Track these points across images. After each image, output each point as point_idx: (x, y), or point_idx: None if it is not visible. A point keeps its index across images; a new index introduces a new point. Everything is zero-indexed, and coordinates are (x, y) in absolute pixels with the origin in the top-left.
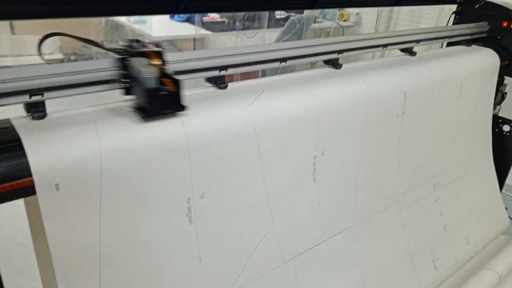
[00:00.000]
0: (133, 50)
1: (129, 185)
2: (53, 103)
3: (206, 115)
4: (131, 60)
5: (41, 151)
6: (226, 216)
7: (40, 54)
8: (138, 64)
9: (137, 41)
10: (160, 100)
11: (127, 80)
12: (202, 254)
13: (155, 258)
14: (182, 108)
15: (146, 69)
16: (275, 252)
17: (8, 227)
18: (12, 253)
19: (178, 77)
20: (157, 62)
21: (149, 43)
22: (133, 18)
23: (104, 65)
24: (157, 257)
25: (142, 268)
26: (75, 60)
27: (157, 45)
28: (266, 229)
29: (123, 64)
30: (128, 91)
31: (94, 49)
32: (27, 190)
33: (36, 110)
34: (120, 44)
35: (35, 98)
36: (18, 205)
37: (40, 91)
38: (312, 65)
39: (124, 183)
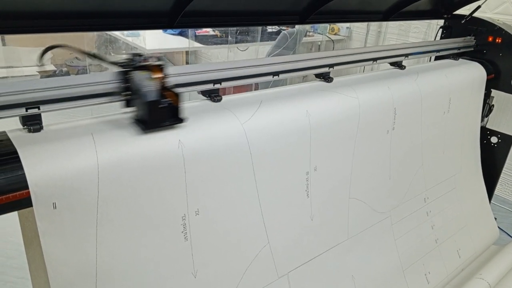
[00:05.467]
0: (135, 63)
1: (126, 203)
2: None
3: (202, 132)
4: (133, 73)
5: (38, 166)
6: (221, 232)
7: (40, 65)
8: (140, 77)
9: (139, 55)
10: (160, 113)
11: (128, 92)
12: (197, 270)
13: (151, 275)
14: (180, 120)
15: (148, 82)
16: (270, 267)
17: None
18: (2, 267)
19: (175, 90)
20: (158, 75)
21: (150, 57)
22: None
23: (105, 78)
24: (153, 273)
25: (139, 284)
26: (67, 72)
27: (158, 58)
28: (260, 244)
29: (125, 77)
30: (128, 104)
31: (87, 61)
32: (24, 203)
33: (32, 123)
34: (122, 57)
35: (32, 111)
36: (6, 219)
37: (36, 104)
38: (304, 78)
39: (121, 201)
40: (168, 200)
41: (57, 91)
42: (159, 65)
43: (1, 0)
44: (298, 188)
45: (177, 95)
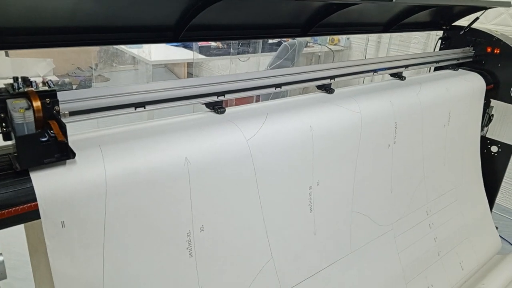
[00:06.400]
0: (13, 90)
1: (132, 219)
2: None
3: (206, 147)
4: (7, 102)
5: (47, 181)
6: (225, 248)
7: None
8: (14, 107)
9: (25, 79)
10: (37, 149)
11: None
12: (202, 286)
13: None
14: (70, 155)
15: (19, 113)
16: (273, 283)
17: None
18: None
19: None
20: (38, 103)
21: (32, 81)
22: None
23: None
24: None
25: None
26: (69, 82)
27: (46, 83)
28: (264, 259)
29: (1, 107)
30: (10, 137)
31: (92, 71)
32: (31, 215)
33: None
34: (4, 83)
35: None
36: (8, 230)
37: None
38: (304, 89)
39: (127, 218)
40: (174, 217)
41: None
42: (41, 92)
43: (10, 17)
44: (301, 203)
45: (63, 126)
